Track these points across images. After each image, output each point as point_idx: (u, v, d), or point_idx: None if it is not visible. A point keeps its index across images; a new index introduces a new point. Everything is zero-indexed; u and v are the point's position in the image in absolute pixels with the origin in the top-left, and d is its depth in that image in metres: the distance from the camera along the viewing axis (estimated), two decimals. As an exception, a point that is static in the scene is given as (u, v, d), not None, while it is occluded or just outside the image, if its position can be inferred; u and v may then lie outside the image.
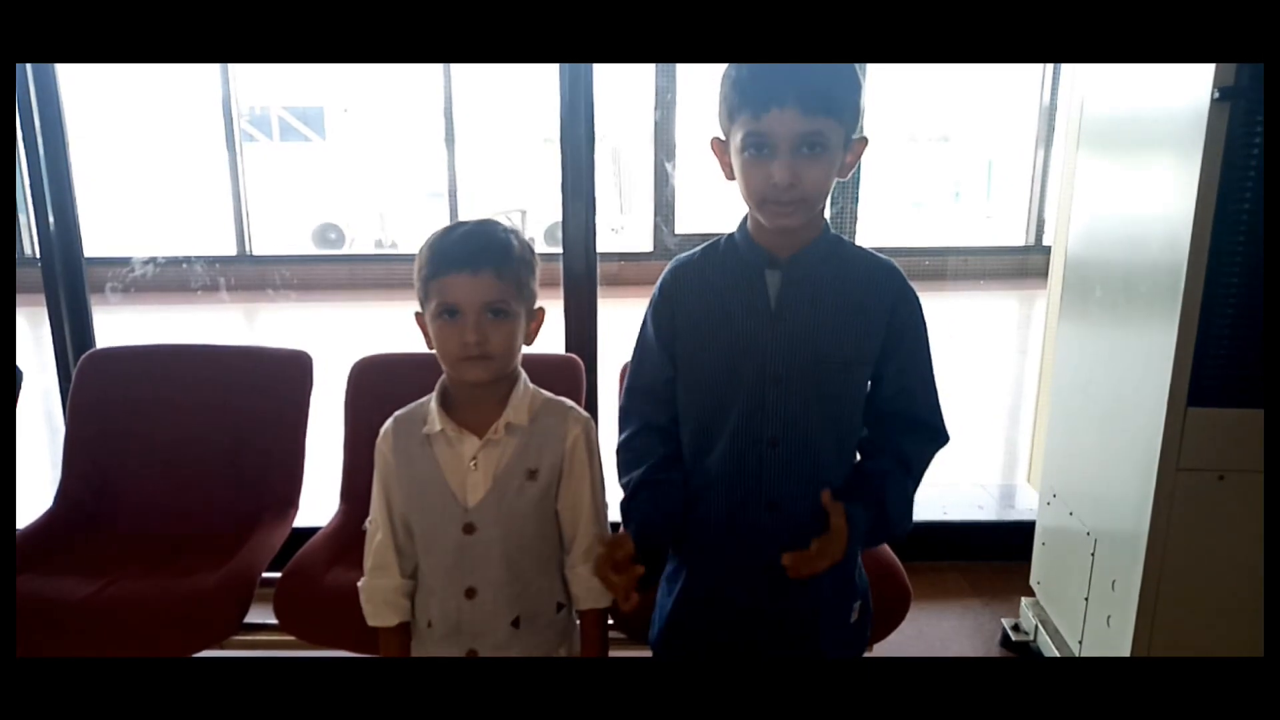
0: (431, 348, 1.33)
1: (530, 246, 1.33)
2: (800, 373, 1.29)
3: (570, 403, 1.40)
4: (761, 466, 1.32)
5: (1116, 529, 1.98)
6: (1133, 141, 1.99)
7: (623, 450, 1.41)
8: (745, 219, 1.34)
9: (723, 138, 1.28)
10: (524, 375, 1.38)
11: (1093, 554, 2.07)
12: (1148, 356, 1.83)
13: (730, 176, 1.28)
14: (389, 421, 1.39)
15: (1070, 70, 3.08)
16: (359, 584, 1.42)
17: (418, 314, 1.33)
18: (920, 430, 1.37)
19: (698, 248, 1.40)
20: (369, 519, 1.41)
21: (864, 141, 1.27)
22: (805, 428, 1.30)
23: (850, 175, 1.29)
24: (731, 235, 1.36)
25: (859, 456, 1.39)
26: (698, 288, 1.35)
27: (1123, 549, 1.93)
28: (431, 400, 1.36)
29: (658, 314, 1.38)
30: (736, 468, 1.33)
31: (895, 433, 1.36)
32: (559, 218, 2.59)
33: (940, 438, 1.38)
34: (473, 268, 1.25)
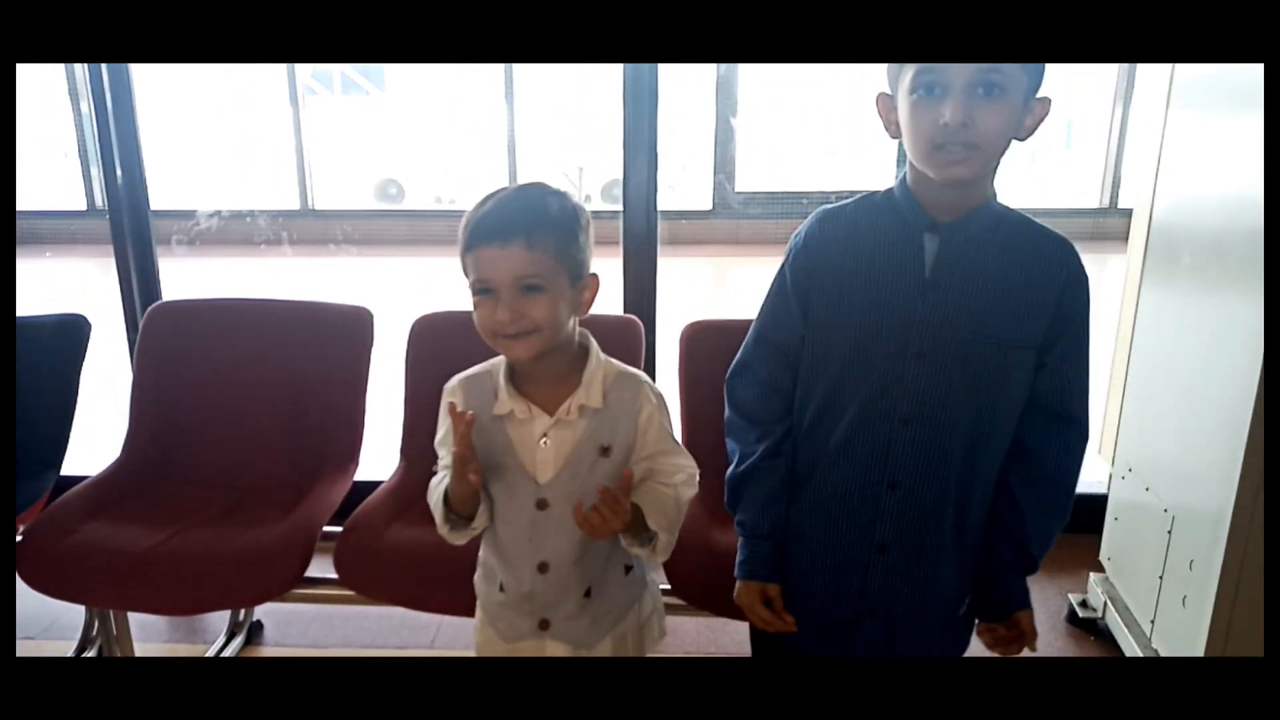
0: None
1: (577, 209, 1.25)
2: (948, 349, 1.21)
3: (643, 376, 1.34)
4: (890, 445, 1.25)
5: (1197, 507, 1.90)
6: (1231, 100, 1.88)
7: (739, 411, 1.37)
8: (904, 175, 1.25)
9: (889, 92, 1.21)
10: (595, 347, 1.31)
11: (1170, 531, 1.99)
12: (1238, 328, 1.73)
13: (894, 134, 1.22)
14: (456, 382, 1.34)
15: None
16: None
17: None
18: (1070, 428, 1.28)
19: (849, 199, 1.31)
20: (439, 465, 1.36)
21: (1046, 103, 1.18)
22: (944, 409, 1.23)
23: (1028, 139, 1.20)
24: (890, 190, 1.28)
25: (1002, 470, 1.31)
26: (844, 243, 1.27)
27: (1203, 528, 1.85)
28: (500, 375, 1.30)
29: (796, 264, 1.31)
30: (861, 444, 1.27)
31: (1047, 433, 1.27)
32: (616, 174, 2.54)
33: (1086, 436, 1.30)
34: (501, 240, 1.17)
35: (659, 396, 1.33)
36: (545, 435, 1.28)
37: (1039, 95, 1.18)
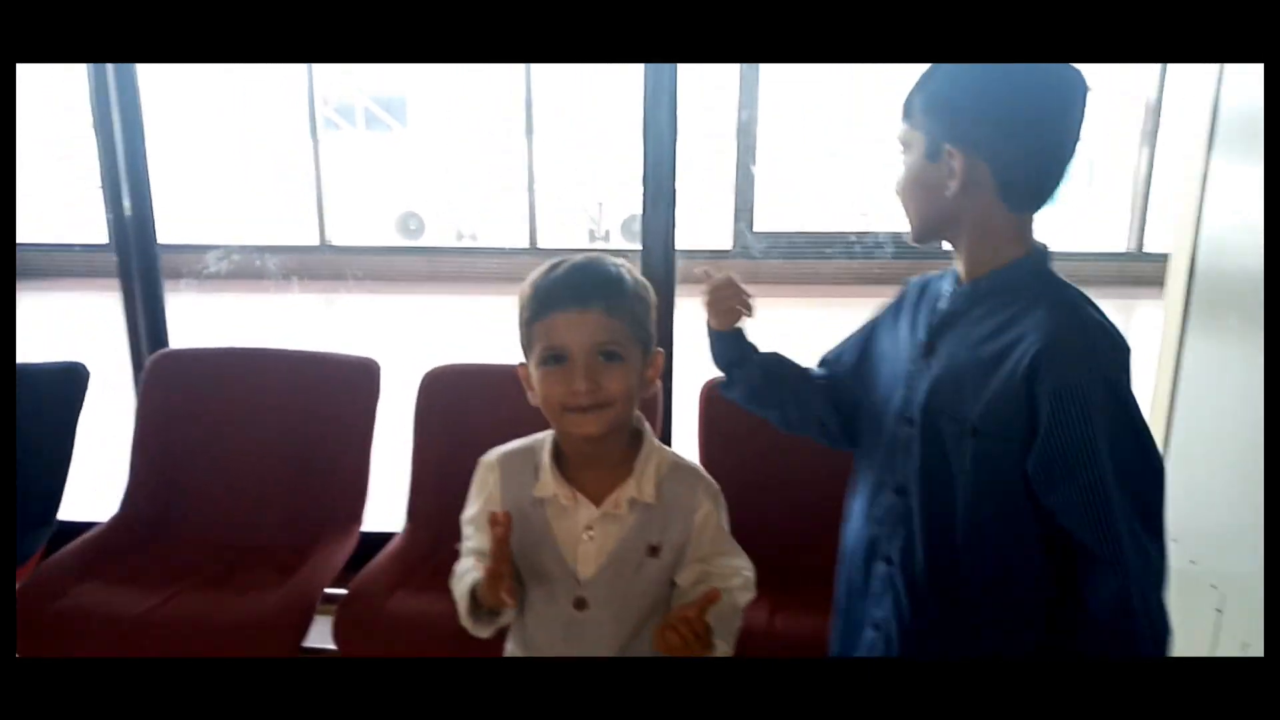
0: (535, 403, 1.18)
1: (645, 283, 1.18)
2: (930, 420, 1.14)
3: (700, 469, 1.24)
4: (885, 514, 1.20)
5: (1250, 584, 1.78)
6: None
7: None
8: None
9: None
10: (649, 432, 1.22)
11: (1219, 610, 1.87)
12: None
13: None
14: (495, 458, 1.24)
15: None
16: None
17: (520, 365, 1.18)
18: (1099, 567, 1.06)
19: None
20: (464, 545, 1.25)
21: (956, 155, 1.09)
22: (932, 486, 1.14)
23: (953, 190, 1.10)
24: None
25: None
26: (914, 300, 1.25)
27: (1257, 608, 1.73)
28: (544, 454, 1.20)
29: (879, 309, 1.31)
30: (867, 510, 1.23)
31: (1078, 567, 1.08)
32: (634, 210, 2.49)
33: (1126, 577, 1.05)
34: (580, 305, 1.10)
35: (717, 493, 1.23)
36: (590, 528, 1.17)
37: (949, 147, 1.10)
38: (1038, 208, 1.13)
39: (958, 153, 1.08)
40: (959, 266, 1.17)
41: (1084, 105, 1.09)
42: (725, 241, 8.37)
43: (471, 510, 1.24)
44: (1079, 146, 1.10)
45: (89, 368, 2.13)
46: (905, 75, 1.17)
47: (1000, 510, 1.12)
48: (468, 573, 1.19)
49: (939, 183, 1.10)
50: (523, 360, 1.18)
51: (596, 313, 1.10)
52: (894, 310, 1.28)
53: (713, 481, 1.23)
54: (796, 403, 1.34)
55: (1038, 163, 1.09)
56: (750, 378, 1.33)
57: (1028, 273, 1.12)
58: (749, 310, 1.29)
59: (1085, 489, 1.04)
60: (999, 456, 1.09)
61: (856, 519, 1.27)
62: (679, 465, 1.22)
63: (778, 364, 1.35)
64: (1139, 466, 1.05)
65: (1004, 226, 1.12)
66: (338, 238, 8.97)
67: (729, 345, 1.32)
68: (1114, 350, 1.06)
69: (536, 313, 1.12)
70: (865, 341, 1.31)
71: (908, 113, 1.13)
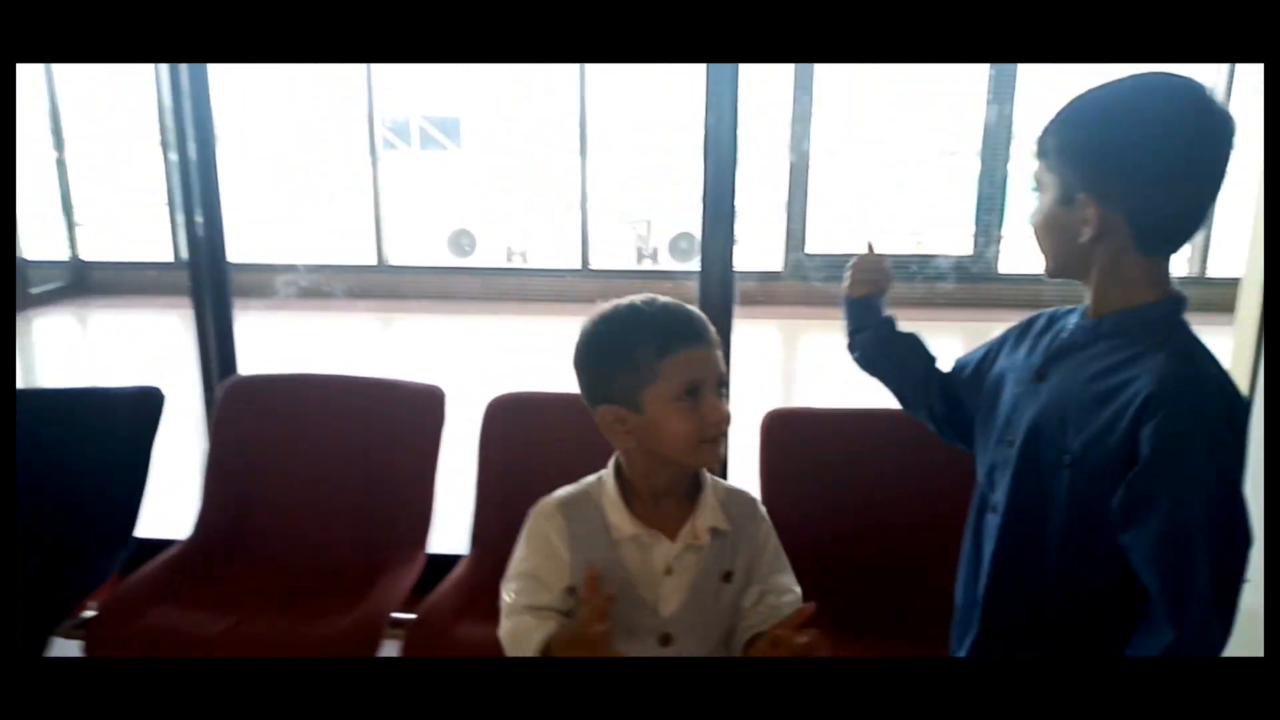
0: (618, 446, 1.19)
1: None
2: (1029, 445, 1.15)
3: (751, 494, 1.27)
4: (982, 532, 1.23)
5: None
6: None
7: None
8: None
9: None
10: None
11: (1297, 656, 1.81)
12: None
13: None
14: (553, 506, 1.21)
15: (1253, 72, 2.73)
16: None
17: (607, 408, 1.15)
18: (1150, 625, 1.04)
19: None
20: (507, 589, 1.22)
21: (1090, 205, 1.08)
22: (1020, 509, 1.16)
23: (1087, 236, 1.10)
24: None
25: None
26: (1040, 329, 1.25)
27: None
28: (605, 497, 1.20)
29: (1009, 330, 1.32)
30: (973, 529, 1.26)
31: (1141, 617, 1.06)
32: (682, 229, 2.47)
33: (1175, 628, 1.02)
34: (704, 341, 1.14)
35: (764, 510, 1.27)
36: (670, 562, 1.18)
37: (1083, 191, 1.08)
38: (1174, 250, 1.12)
39: (1092, 202, 1.07)
40: (1087, 301, 1.16)
41: (1230, 147, 1.06)
42: (776, 263, 8.36)
43: (527, 564, 1.21)
44: (1222, 185, 1.07)
45: (163, 391, 2.19)
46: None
47: (1088, 546, 1.12)
48: (532, 630, 1.16)
49: (1072, 228, 1.10)
50: (608, 403, 1.16)
51: (714, 347, 1.15)
52: (1018, 333, 1.29)
53: (761, 503, 1.27)
54: (911, 383, 1.41)
55: (1177, 210, 1.08)
56: (865, 345, 1.44)
57: (1156, 319, 1.11)
58: (879, 287, 1.43)
59: (1166, 534, 1.03)
60: (1093, 492, 1.09)
61: (967, 537, 1.29)
62: (732, 490, 1.26)
63: (904, 344, 1.42)
64: (1228, 534, 1.04)
65: (1136, 269, 1.11)
66: (394, 257, 9.10)
67: (854, 313, 1.45)
68: (1227, 409, 1.05)
69: (663, 350, 1.12)
70: (985, 358, 1.32)
71: (1042, 152, 1.12)
